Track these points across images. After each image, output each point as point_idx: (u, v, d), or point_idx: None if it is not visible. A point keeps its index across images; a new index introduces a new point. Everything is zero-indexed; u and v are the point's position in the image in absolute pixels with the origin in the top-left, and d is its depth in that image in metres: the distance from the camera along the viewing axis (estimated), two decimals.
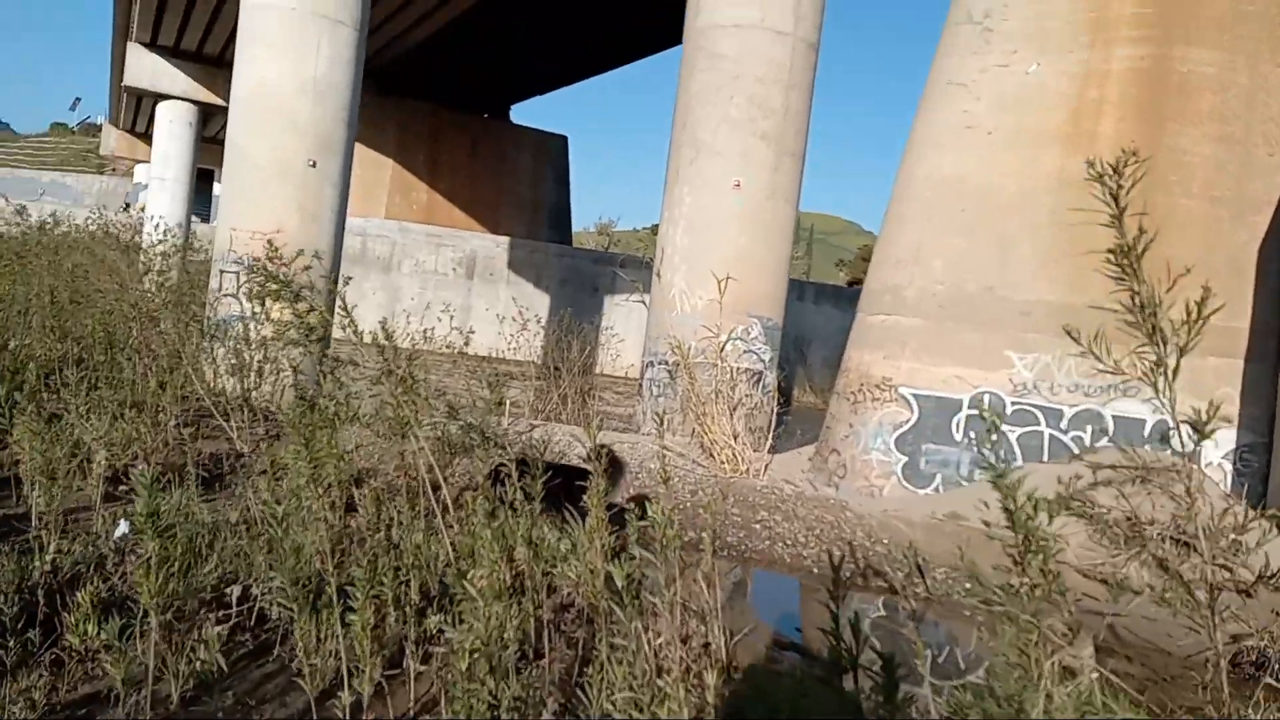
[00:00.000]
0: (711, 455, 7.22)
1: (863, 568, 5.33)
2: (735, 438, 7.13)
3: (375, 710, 2.30)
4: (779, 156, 9.24)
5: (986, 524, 5.10)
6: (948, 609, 4.99)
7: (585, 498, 3.48)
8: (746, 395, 8.46)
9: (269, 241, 6.15)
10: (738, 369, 9.17)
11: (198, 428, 5.60)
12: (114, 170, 55.85)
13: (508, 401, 8.26)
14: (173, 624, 2.58)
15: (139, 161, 44.37)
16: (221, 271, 10.30)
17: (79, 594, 2.38)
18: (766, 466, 7.10)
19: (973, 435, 6.55)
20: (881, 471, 6.70)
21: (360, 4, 10.50)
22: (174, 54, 29.84)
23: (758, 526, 5.80)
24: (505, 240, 26.18)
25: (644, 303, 9.74)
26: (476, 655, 2.03)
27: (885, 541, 5.78)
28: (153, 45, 30.22)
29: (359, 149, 29.76)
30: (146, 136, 36.72)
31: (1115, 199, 1.66)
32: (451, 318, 16.41)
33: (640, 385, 10.01)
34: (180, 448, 4.50)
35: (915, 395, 6.65)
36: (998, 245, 6.53)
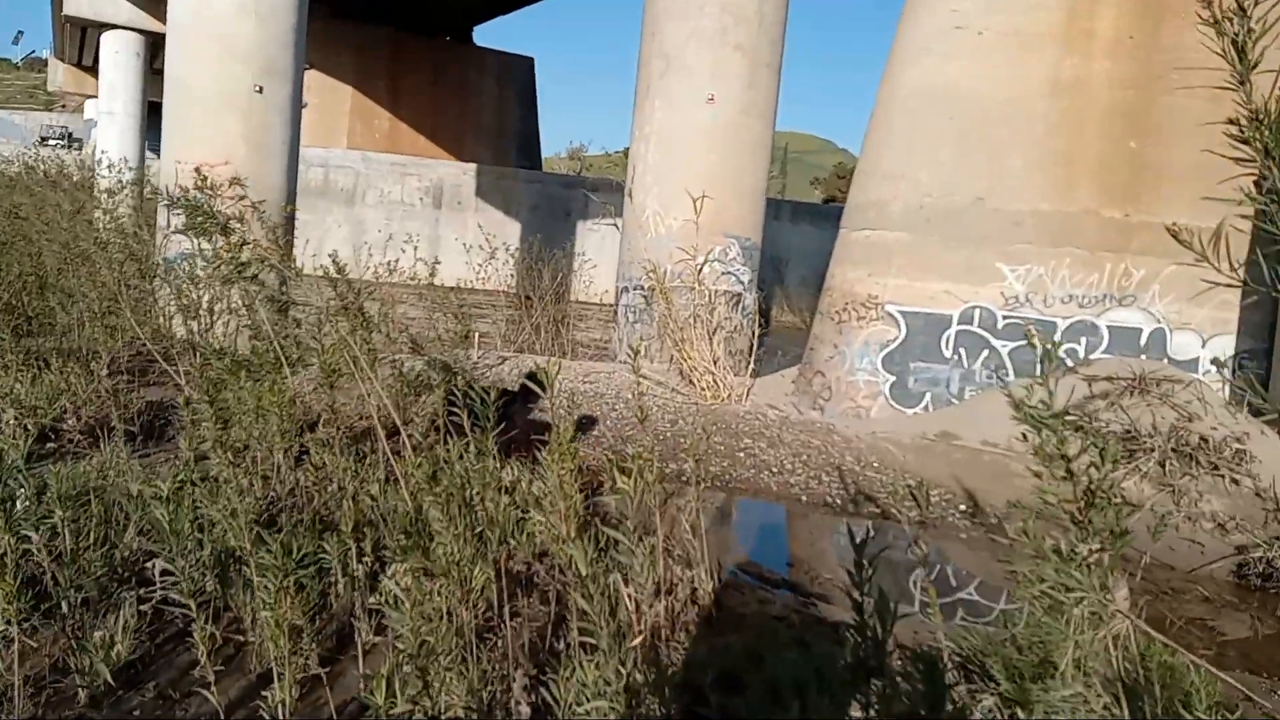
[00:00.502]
0: (691, 382, 6.94)
1: (853, 493, 5.11)
2: (715, 363, 6.84)
3: (310, 702, 2.02)
4: (754, 69, 8.74)
5: (989, 446, 4.80)
6: (942, 532, 4.79)
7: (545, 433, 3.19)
8: (726, 318, 8.15)
9: (196, 170, 5.68)
10: (716, 291, 8.84)
11: (140, 375, 5.23)
12: (63, 106, 53.63)
13: (476, 334, 7.92)
14: (87, 605, 2.27)
15: (89, 97, 42.56)
16: (168, 207, 9.75)
17: None
18: (749, 391, 6.84)
19: (963, 352, 6.29)
20: (869, 392, 6.46)
21: None
22: None
23: (742, 455, 5.55)
24: (472, 167, 25.39)
25: (617, 226, 9.34)
26: (423, 640, 1.75)
27: (875, 465, 5.55)
28: None
29: (315, 76, 28.71)
30: (94, 70, 35.13)
31: (1240, 52, 1.33)
32: (416, 249, 15.90)
33: (615, 312, 9.67)
34: (115, 398, 4.14)
35: (902, 313, 6.36)
36: (988, 154, 6.17)
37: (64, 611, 2.20)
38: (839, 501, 5.05)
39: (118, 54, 29.34)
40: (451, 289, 15.82)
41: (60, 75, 45.41)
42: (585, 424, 5.85)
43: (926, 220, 6.31)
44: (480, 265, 15.55)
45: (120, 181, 11.92)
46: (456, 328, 7.27)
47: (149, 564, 2.31)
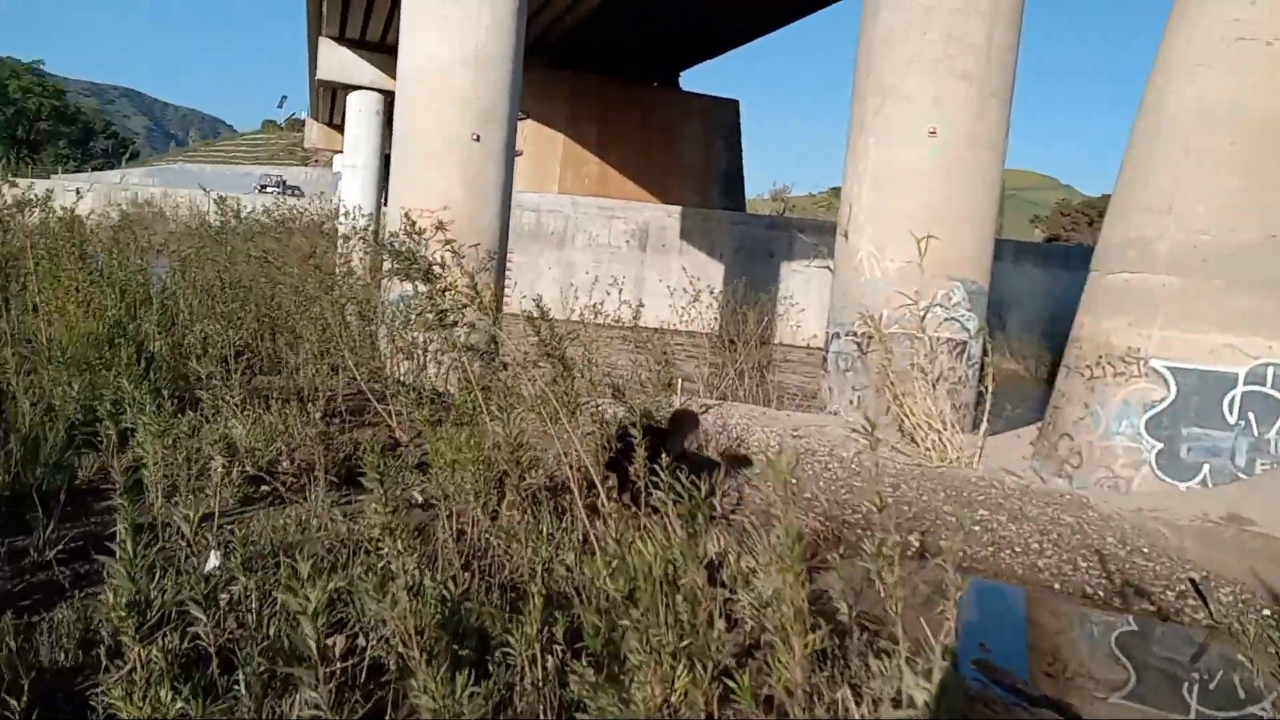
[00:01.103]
0: (914, 440, 6.29)
1: (1119, 584, 4.30)
2: (941, 420, 6.15)
3: None
4: (982, 99, 8.01)
5: None
6: (1239, 641, 3.91)
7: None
8: (949, 369, 7.42)
9: (409, 214, 5.79)
10: (938, 339, 8.11)
11: (357, 415, 5.31)
12: (316, 161, 59.97)
13: (679, 380, 7.64)
14: (268, 683, 2.08)
15: (336, 152, 47.23)
16: (395, 252, 10.26)
17: (151, 649, 1.92)
18: (980, 453, 6.09)
19: (1251, 417, 5.28)
20: (1128, 460, 5.55)
21: None
22: (360, 45, 31.20)
23: (977, 529, 4.86)
24: (677, 210, 25.60)
25: (828, 268, 8.82)
26: None
27: (1144, 550, 4.69)
28: (341, 39, 31.70)
29: (531, 125, 30.19)
30: (342, 128, 38.85)
31: None
32: (621, 290, 16.04)
33: (825, 359, 9.12)
34: (325, 442, 4.14)
35: (1172, 369, 5.44)
36: None
37: (241, 691, 2.02)
38: (1101, 593, 4.27)
39: (360, 112, 32.19)
40: (655, 330, 15.87)
41: (314, 134, 50.76)
42: (796, 486, 5.37)
43: (1203, 261, 5.38)
44: (684, 308, 15.41)
45: (354, 228, 12.82)
46: (659, 373, 7.04)
47: (330, 640, 2.10)
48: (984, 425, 6.13)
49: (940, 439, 6.01)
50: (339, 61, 31.83)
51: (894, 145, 8.05)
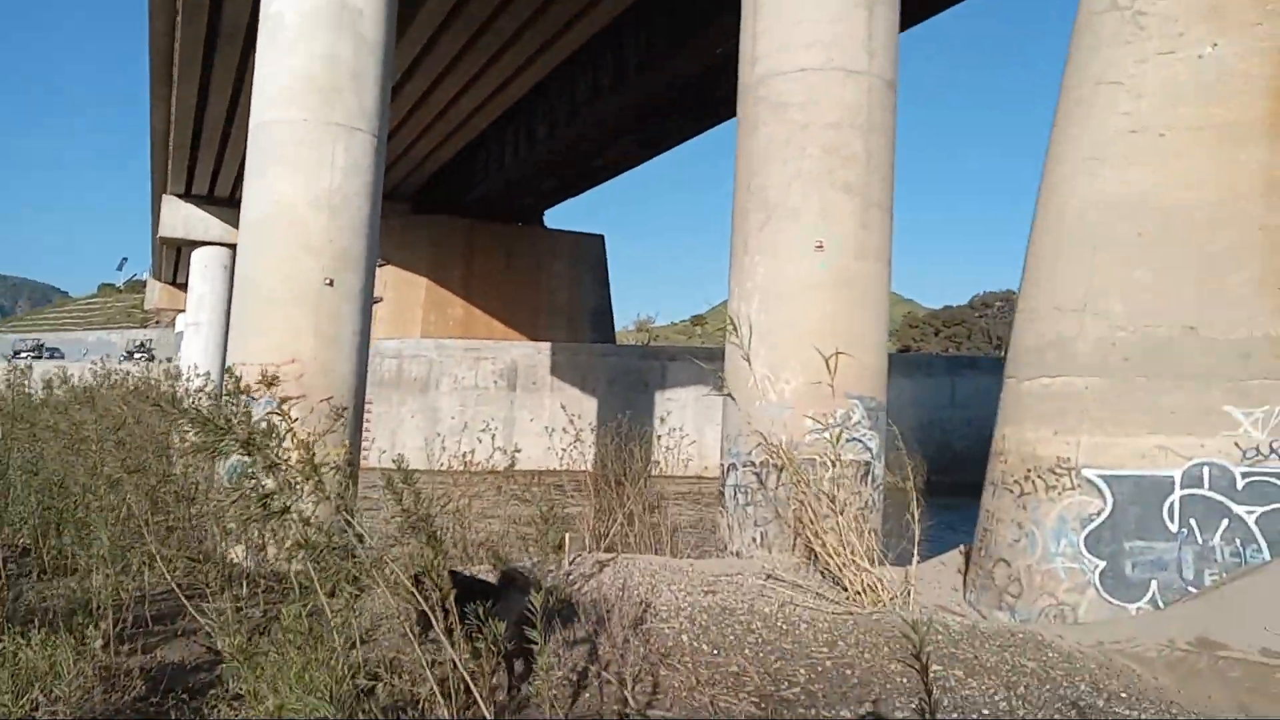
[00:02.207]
0: (840, 584, 5.60)
1: None
2: (868, 556, 5.51)
3: None
4: (865, 209, 7.87)
5: None
6: None
7: None
8: (854, 494, 6.87)
9: (230, 371, 4.88)
10: (842, 463, 7.61)
11: (170, 623, 4.20)
12: (157, 322, 56.80)
13: (567, 537, 6.76)
14: None
15: (179, 311, 44.84)
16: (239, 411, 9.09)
17: None
18: (910, 591, 5.45)
19: (1194, 523, 4.88)
20: (1072, 584, 5.04)
21: (378, 108, 9.54)
22: (208, 201, 30.07)
23: (935, 691, 4.14)
24: (546, 346, 25.10)
25: (720, 393, 8.27)
26: None
27: (1122, 694, 4.08)
28: (187, 195, 30.54)
29: (391, 271, 29.39)
30: (186, 286, 36.98)
31: None
32: (494, 436, 15.11)
33: (722, 493, 8.44)
34: (110, 677, 3.07)
35: (1105, 477, 5.03)
36: (1196, 273, 5.02)
37: None
38: None
39: (206, 268, 30.69)
40: (531, 474, 14.92)
41: (156, 294, 48.27)
42: (719, 657, 4.54)
43: (1124, 359, 5.08)
44: (563, 449, 14.59)
45: (185, 390, 11.53)
46: (543, 529, 6.16)
47: None
48: (915, 559, 5.51)
49: (869, 579, 5.34)
50: (184, 217, 30.55)
51: (782, 261, 7.73)
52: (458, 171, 27.94)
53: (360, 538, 4.06)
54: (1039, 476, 5.19)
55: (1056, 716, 3.95)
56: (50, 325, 59.39)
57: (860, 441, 7.68)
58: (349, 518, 3.80)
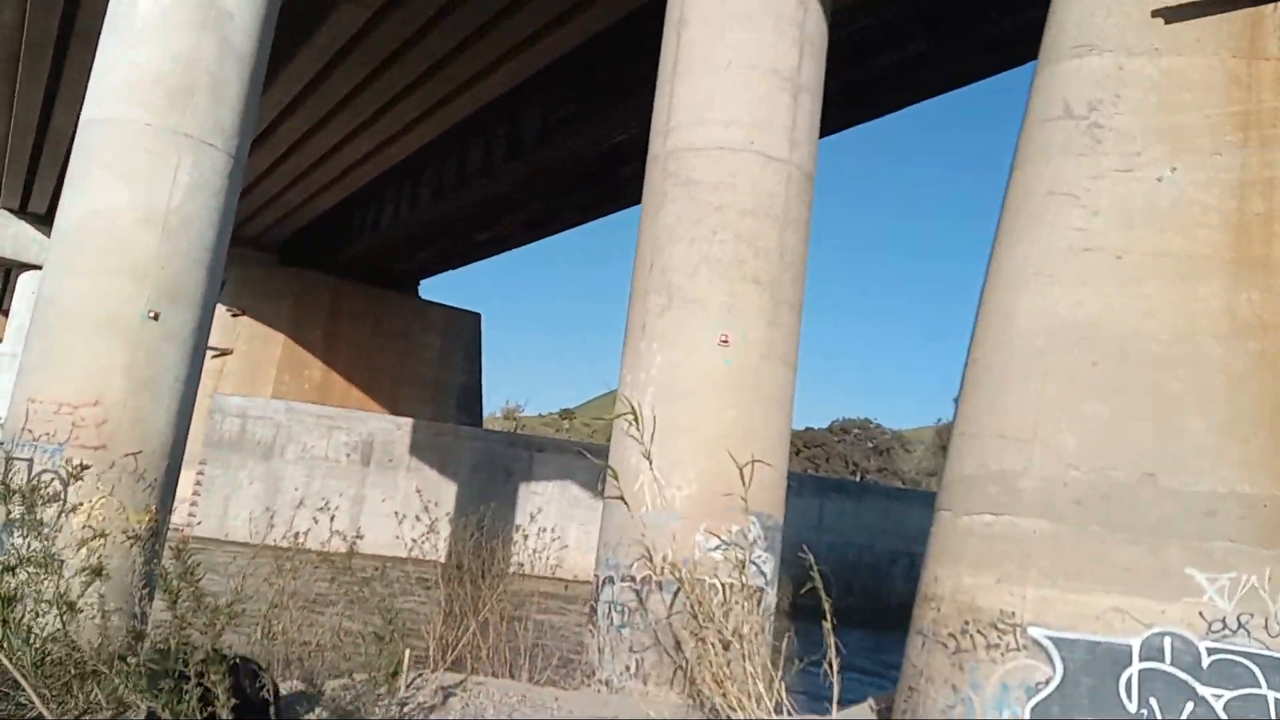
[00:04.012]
0: None
1: None
2: (781, 706, 4.56)
3: None
4: (775, 306, 7.21)
5: None
6: None
7: None
8: (756, 629, 5.96)
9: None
10: (730, 586, 6.72)
11: None
12: None
13: (408, 654, 5.51)
14: None
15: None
16: (9, 458, 7.40)
17: None
18: None
19: (1154, 704, 4.18)
20: None
21: (238, 126, 8.31)
22: (44, 222, 27.23)
23: None
24: (408, 422, 23.46)
25: (603, 495, 7.26)
26: None
27: None
28: (21, 212, 27.68)
29: (246, 322, 27.21)
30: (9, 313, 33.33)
31: None
32: (335, 513, 13.50)
33: (593, 609, 7.34)
34: None
35: (1054, 640, 4.30)
36: (1154, 414, 4.47)
37: None
38: None
39: (34, 294, 27.57)
40: (376, 561, 13.25)
41: None
42: None
43: (1076, 502, 4.43)
44: (415, 538, 13.08)
45: None
46: (380, 640, 4.93)
47: None
48: (834, 710, 4.58)
49: None
50: (14, 235, 27.63)
51: (682, 352, 6.93)
52: (332, 226, 26.42)
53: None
54: (979, 632, 4.43)
55: None
56: None
57: (754, 564, 6.82)
58: None
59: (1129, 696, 4.20)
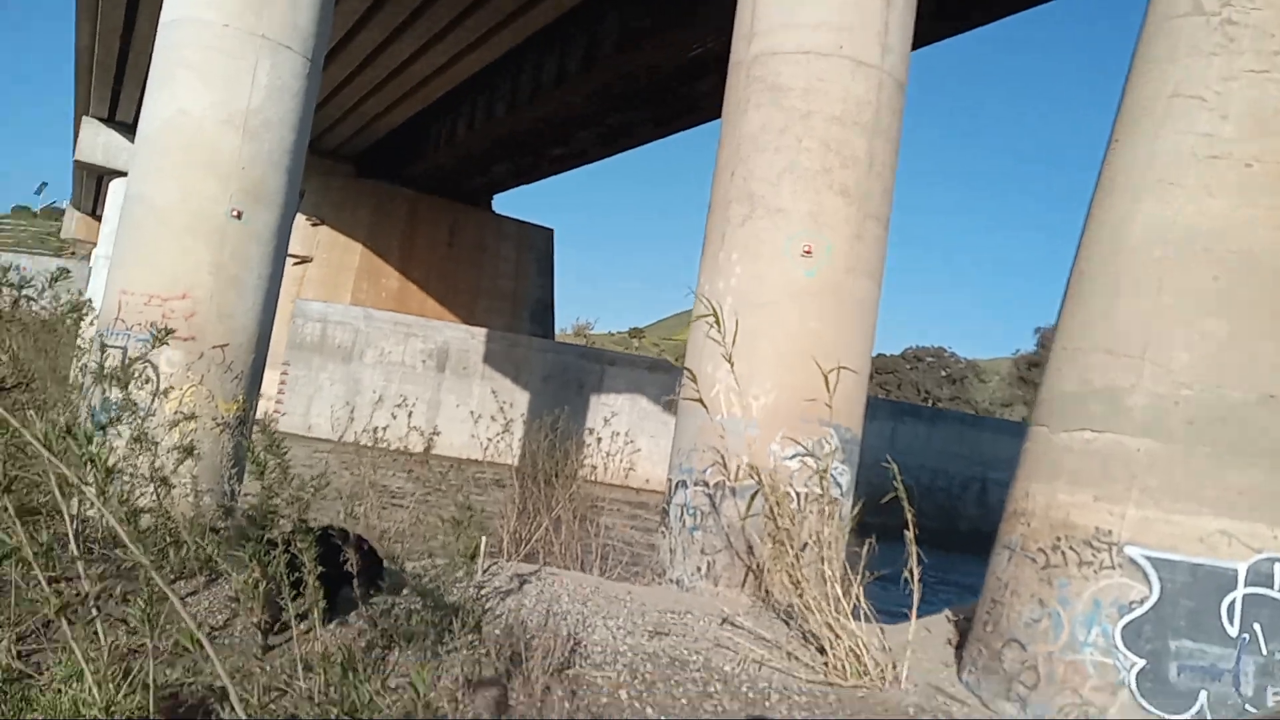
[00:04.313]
0: (812, 639, 4.57)
1: None
2: (858, 611, 4.51)
3: None
4: (862, 219, 6.93)
5: None
6: None
7: None
8: (835, 536, 5.87)
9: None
10: (805, 496, 6.65)
11: None
12: (72, 253, 53.23)
13: (484, 540, 5.60)
14: None
15: (96, 244, 41.99)
16: (105, 347, 7.68)
17: None
18: (901, 664, 4.45)
19: (1258, 629, 4.00)
20: (1102, 681, 4.11)
21: (314, 27, 8.25)
22: (132, 130, 27.85)
23: None
24: (482, 332, 23.75)
25: (680, 397, 7.22)
26: None
27: None
28: (110, 120, 28.32)
29: (325, 232, 27.68)
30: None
31: None
32: (411, 414, 13.82)
33: (665, 511, 7.38)
34: None
35: (1153, 560, 4.12)
36: (1278, 332, 4.16)
37: None
38: None
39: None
40: (451, 461, 13.59)
41: (74, 224, 45.23)
42: None
43: (1188, 422, 4.19)
44: (488, 440, 13.34)
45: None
46: (457, 529, 5.00)
47: None
48: (912, 623, 4.52)
49: (856, 646, 4.33)
50: (104, 144, 28.31)
51: (764, 263, 6.75)
52: (407, 139, 26.43)
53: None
54: (1071, 548, 4.27)
55: None
56: None
57: (832, 476, 6.72)
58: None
59: (1230, 620, 4.03)
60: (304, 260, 26.34)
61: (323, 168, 27.53)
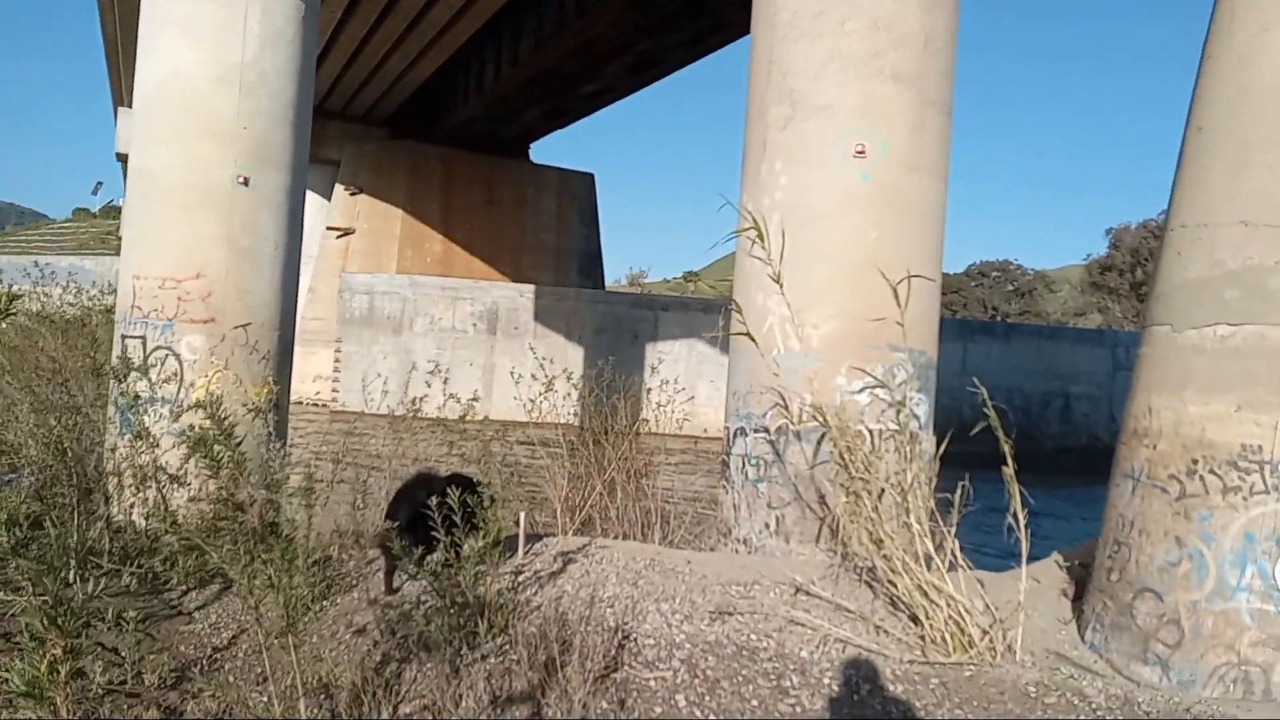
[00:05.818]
0: (903, 606, 3.91)
1: None
2: (955, 567, 3.83)
3: None
4: (920, 108, 6.02)
5: None
6: None
7: None
8: (919, 481, 5.15)
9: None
10: (879, 432, 5.94)
11: None
12: None
13: (523, 514, 5.04)
14: None
15: None
16: (124, 337, 7.29)
17: None
18: (1015, 631, 3.76)
19: None
20: (1263, 635, 3.37)
21: None
22: None
23: None
24: (530, 289, 23.23)
25: (729, 332, 6.49)
26: None
27: None
28: None
29: (365, 200, 27.28)
30: None
31: None
32: (446, 380, 13.46)
33: (725, 463, 6.72)
34: None
35: None
36: None
37: None
38: None
39: None
40: (503, 425, 13.20)
41: None
42: None
43: None
44: (535, 399, 12.85)
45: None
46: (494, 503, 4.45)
47: None
48: (1023, 580, 3.81)
49: (958, 613, 3.65)
50: None
51: (811, 170, 5.92)
52: (437, 93, 25.76)
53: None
54: (1212, 472, 3.50)
55: None
56: (17, 248, 56.83)
57: (907, 407, 5.97)
58: None
59: None
60: (347, 232, 26.07)
61: (355, 134, 27.08)
